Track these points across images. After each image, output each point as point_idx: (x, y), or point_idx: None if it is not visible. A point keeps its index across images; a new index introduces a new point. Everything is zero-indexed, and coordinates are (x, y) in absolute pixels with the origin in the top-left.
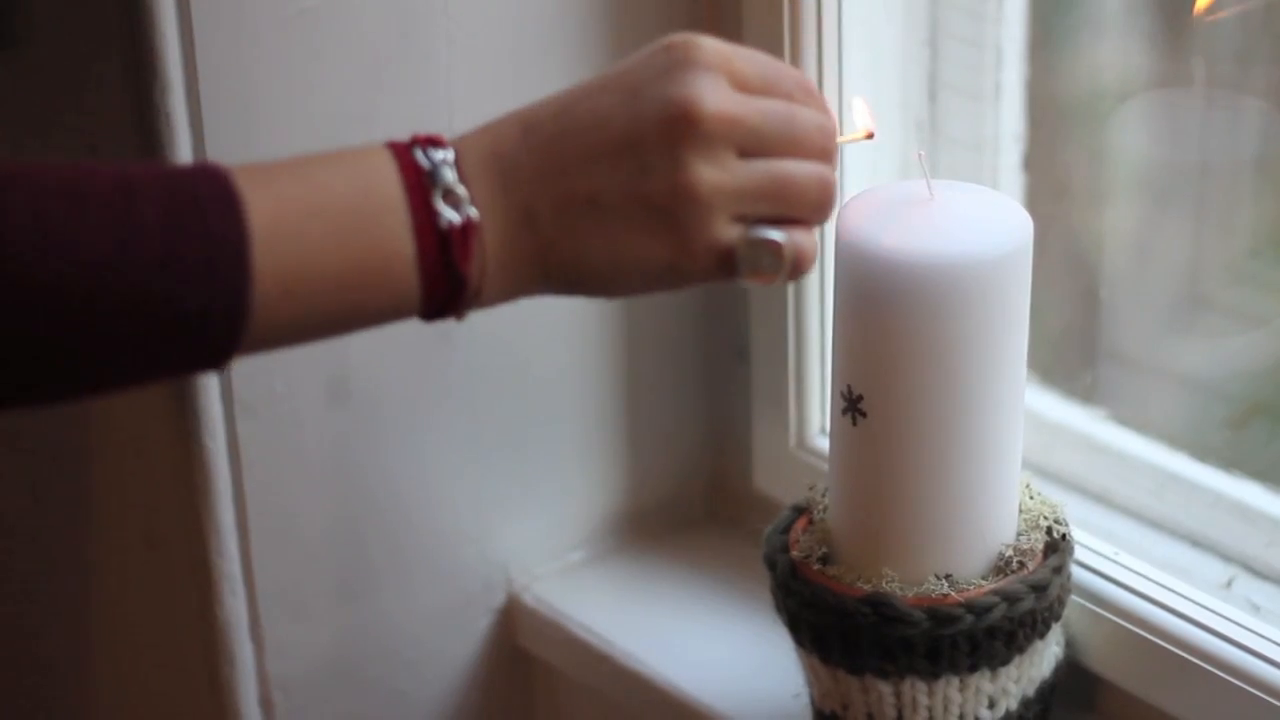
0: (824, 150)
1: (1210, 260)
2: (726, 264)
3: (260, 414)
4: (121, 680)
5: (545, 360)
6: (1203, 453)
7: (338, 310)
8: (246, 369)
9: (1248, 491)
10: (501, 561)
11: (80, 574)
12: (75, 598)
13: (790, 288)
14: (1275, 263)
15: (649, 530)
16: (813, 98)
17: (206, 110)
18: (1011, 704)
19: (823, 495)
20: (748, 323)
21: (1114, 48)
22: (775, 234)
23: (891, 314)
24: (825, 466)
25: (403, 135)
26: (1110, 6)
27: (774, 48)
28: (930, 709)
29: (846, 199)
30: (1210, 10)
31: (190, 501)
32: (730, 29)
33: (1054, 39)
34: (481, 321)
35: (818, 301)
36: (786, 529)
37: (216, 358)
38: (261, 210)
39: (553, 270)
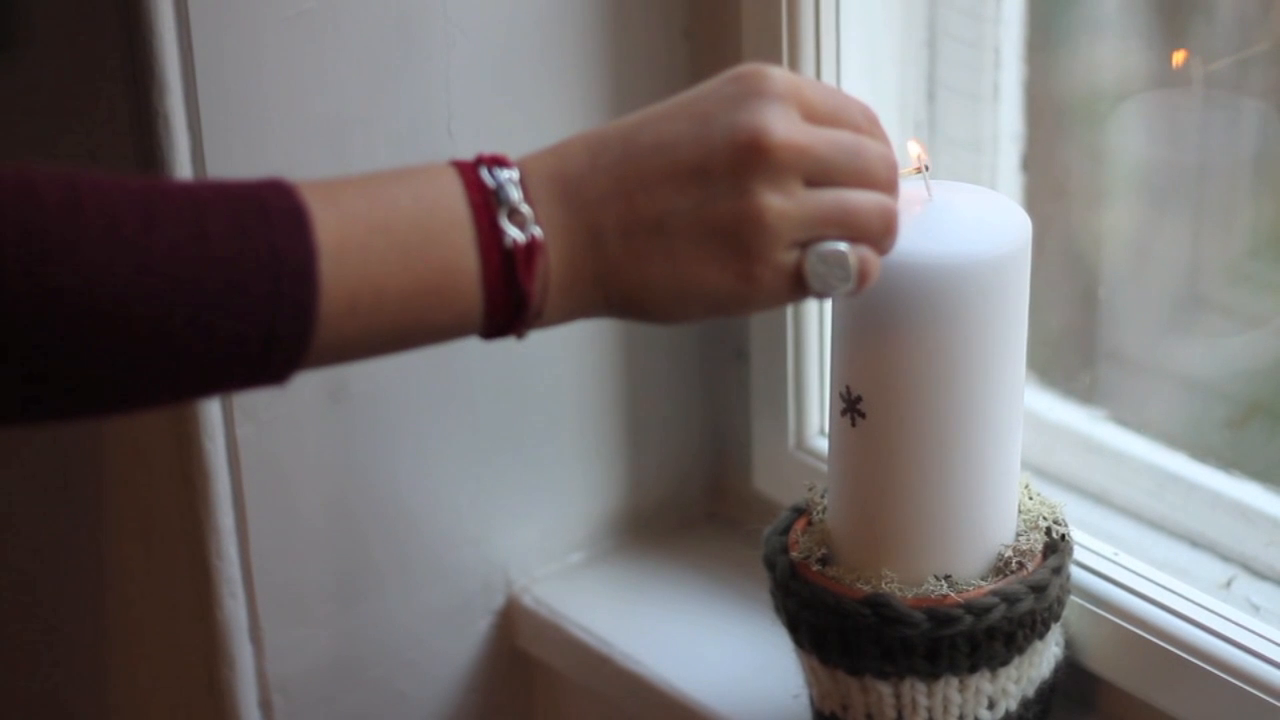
0: (887, 181)
1: (1209, 260)
2: (796, 284)
3: (259, 416)
4: (127, 680)
5: (544, 361)
6: (1202, 453)
7: (401, 326)
8: None
9: (1247, 491)
10: (501, 563)
11: (86, 576)
12: (83, 599)
13: None
14: (1274, 262)
15: (648, 531)
16: (877, 129)
17: (205, 113)
18: (1011, 704)
19: (822, 496)
20: (747, 323)
21: (1112, 48)
22: (841, 245)
23: (890, 314)
24: (824, 467)
25: (408, 138)
26: (1108, 7)
27: (772, 49)
28: (930, 709)
29: None
30: (1187, 65)
31: (190, 504)
32: (728, 30)
33: (1052, 39)
34: None
35: (816, 302)
36: (786, 530)
37: (280, 372)
38: (329, 226)
39: (614, 293)
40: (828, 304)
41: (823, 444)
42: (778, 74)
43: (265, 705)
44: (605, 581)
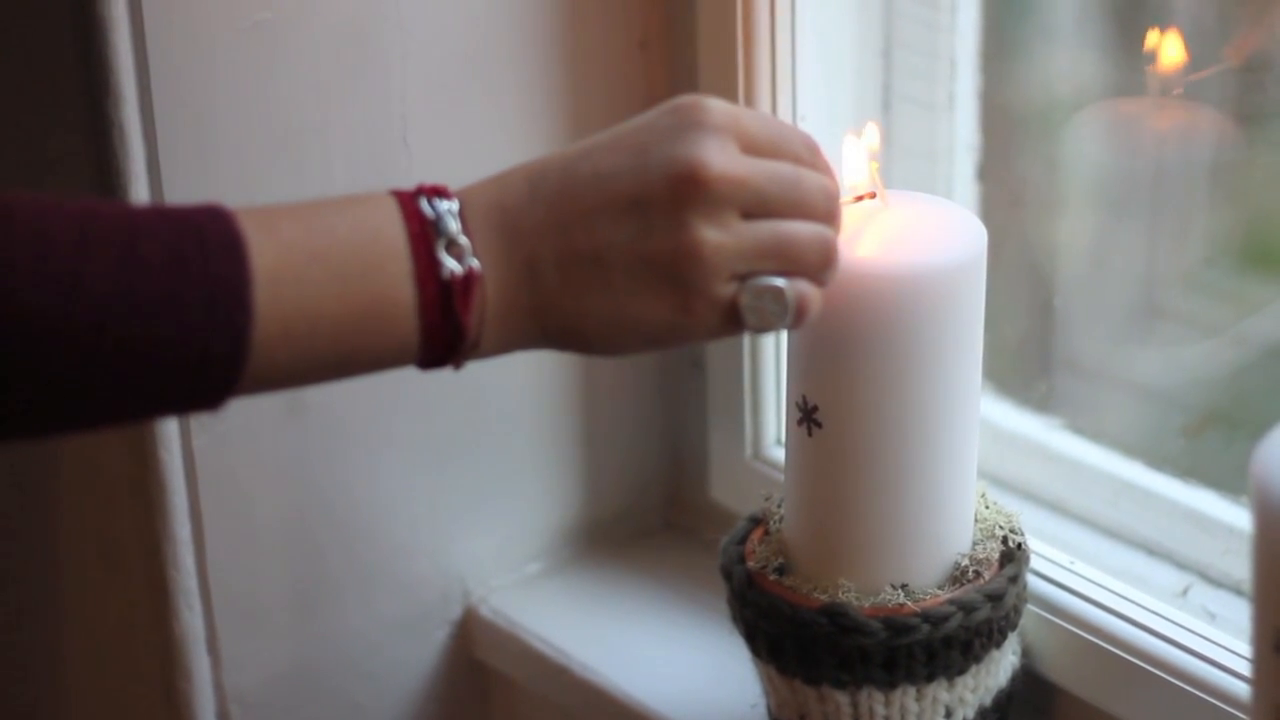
0: (827, 212)
1: (1165, 269)
2: (732, 318)
3: (216, 427)
4: (85, 692)
5: (501, 372)
6: (1158, 461)
7: (336, 354)
8: None
9: (1203, 500)
10: (458, 573)
11: (42, 588)
12: (39, 611)
13: None
14: (1230, 271)
15: (606, 542)
16: (818, 160)
17: (160, 123)
18: (968, 713)
19: (778, 506)
20: None
21: (1067, 57)
22: (778, 281)
23: (846, 324)
24: (781, 477)
25: (363, 148)
26: (1063, 17)
27: (727, 59)
28: (887, 718)
29: None
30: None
31: (146, 515)
32: (684, 41)
33: (1008, 49)
34: None
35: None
36: (742, 539)
37: (215, 397)
38: (265, 253)
39: (551, 324)
40: None
41: (779, 454)
42: (716, 105)
43: (223, 717)
44: (563, 592)
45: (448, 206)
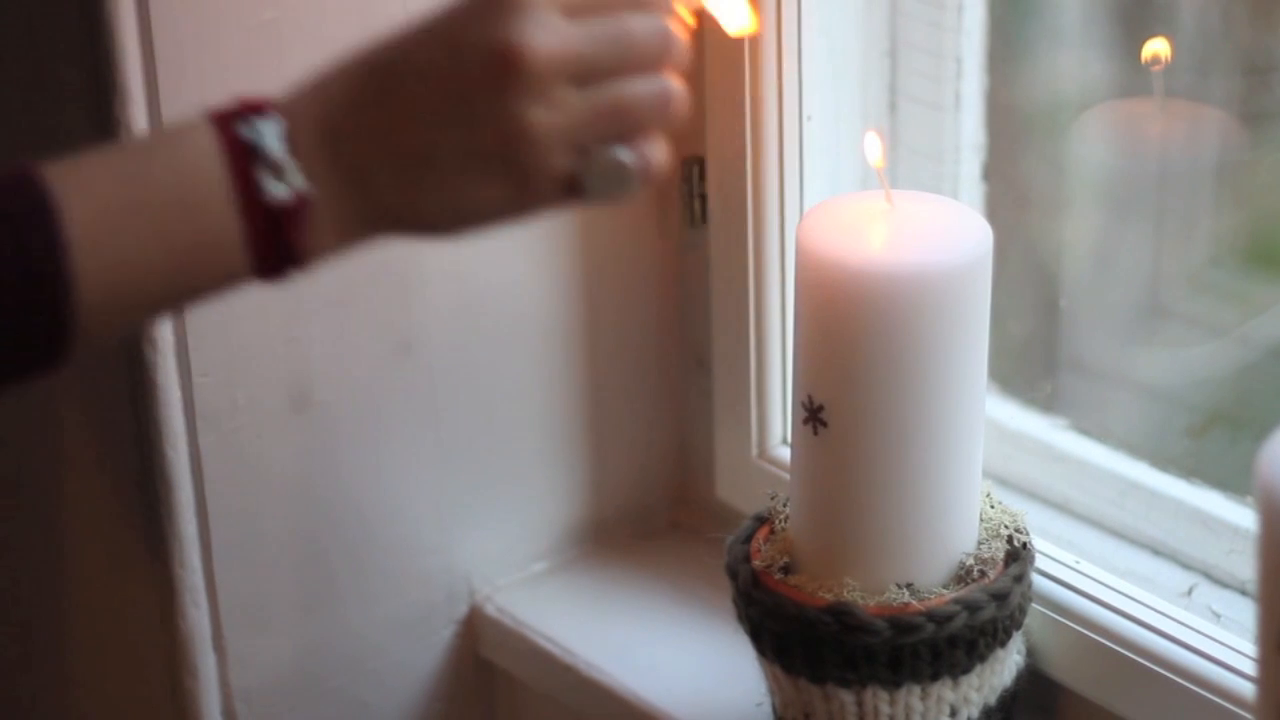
0: (661, 58)
1: (1170, 269)
2: (574, 190)
3: (222, 425)
4: (91, 690)
5: (506, 370)
6: (1163, 461)
7: (168, 294)
8: (208, 381)
9: (1208, 500)
10: (464, 572)
11: (48, 586)
12: (45, 608)
13: (751, 297)
14: (1235, 272)
15: (611, 540)
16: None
17: (167, 122)
18: (973, 712)
19: (784, 505)
20: (709, 332)
21: (1073, 58)
22: (619, 152)
23: (852, 324)
24: (787, 476)
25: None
26: (1070, 17)
27: (734, 56)
28: (892, 717)
29: (807, 209)
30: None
31: (152, 513)
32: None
33: (1014, 50)
34: (442, 331)
35: (778, 310)
36: (748, 539)
37: (50, 361)
38: (79, 214)
39: (391, 225)
40: (789, 311)
41: (785, 453)
42: None
43: (229, 714)
44: (568, 590)
45: (269, 127)
